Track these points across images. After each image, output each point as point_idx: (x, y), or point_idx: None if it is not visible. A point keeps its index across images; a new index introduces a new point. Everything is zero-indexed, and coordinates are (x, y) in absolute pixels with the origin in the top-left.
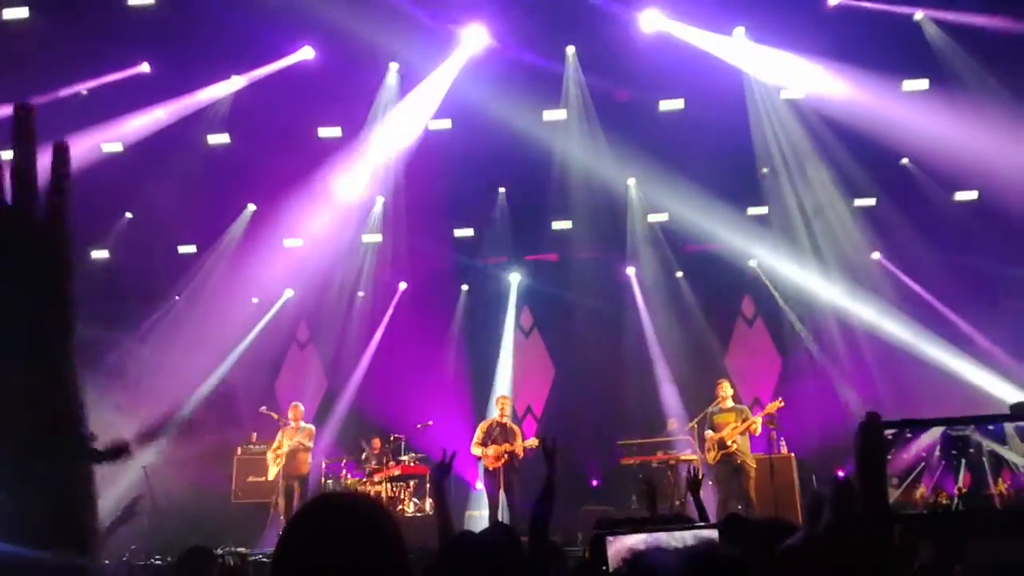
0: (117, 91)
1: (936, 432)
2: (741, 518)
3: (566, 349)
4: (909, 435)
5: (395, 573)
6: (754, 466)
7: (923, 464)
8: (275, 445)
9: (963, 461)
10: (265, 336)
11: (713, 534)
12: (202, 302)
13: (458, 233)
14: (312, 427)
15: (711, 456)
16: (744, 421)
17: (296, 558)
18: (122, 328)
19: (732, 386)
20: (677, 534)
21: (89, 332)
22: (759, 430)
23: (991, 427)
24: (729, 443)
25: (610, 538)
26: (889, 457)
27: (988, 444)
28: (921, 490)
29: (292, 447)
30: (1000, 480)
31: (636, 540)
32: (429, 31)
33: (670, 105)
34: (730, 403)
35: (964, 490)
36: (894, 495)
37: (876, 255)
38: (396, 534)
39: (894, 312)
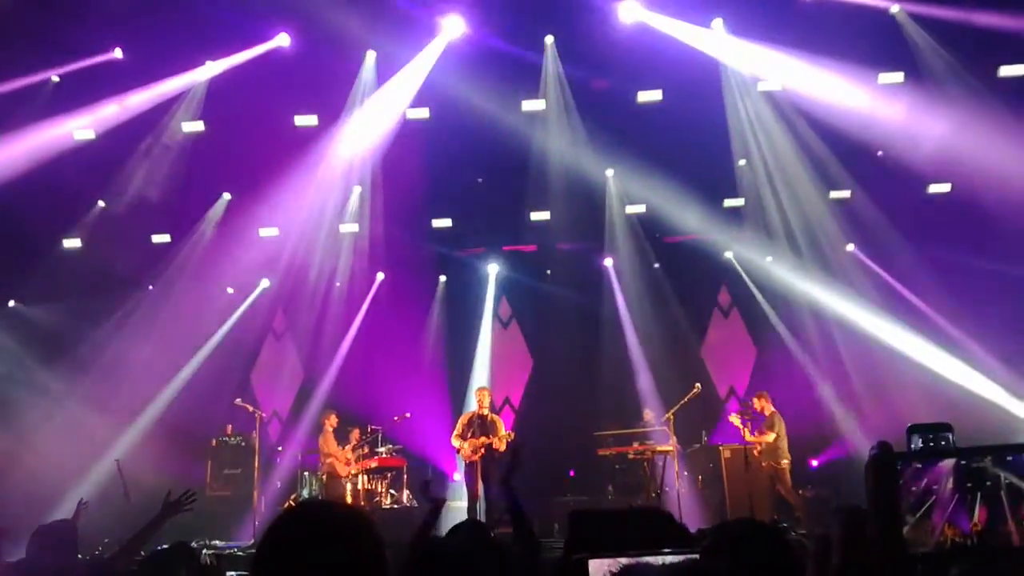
0: (90, 77)
1: (949, 464)
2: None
3: (544, 340)
4: (919, 464)
5: None
6: (781, 467)
7: (934, 497)
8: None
9: (978, 495)
10: (241, 326)
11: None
12: (176, 292)
13: (436, 223)
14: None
15: None
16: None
17: (273, 569)
18: (94, 318)
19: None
20: (659, 558)
21: (61, 322)
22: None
23: (1010, 458)
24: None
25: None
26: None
27: (1007, 476)
28: (932, 526)
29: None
30: (1019, 515)
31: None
32: (407, 19)
33: (648, 96)
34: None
35: (979, 526)
36: (905, 531)
37: (851, 247)
38: (375, 544)
39: (868, 304)
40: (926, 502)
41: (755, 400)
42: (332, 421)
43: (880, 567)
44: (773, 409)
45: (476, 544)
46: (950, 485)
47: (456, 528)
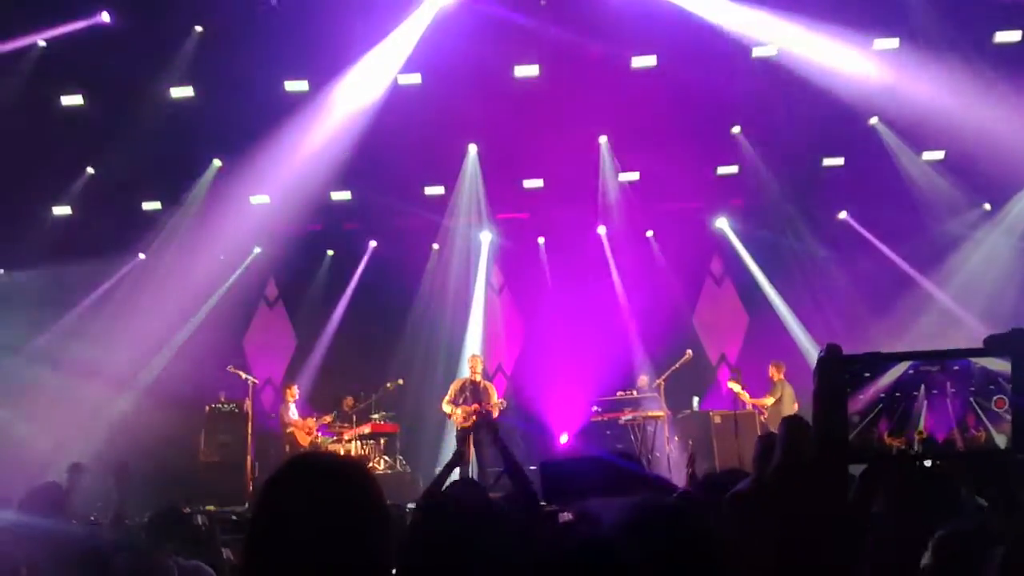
0: (76, 41)
1: (898, 370)
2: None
3: (536, 307)
4: (868, 374)
5: (376, 532)
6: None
7: (881, 404)
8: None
9: (926, 403)
10: (233, 294)
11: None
12: (168, 259)
13: (429, 191)
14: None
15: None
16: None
17: (276, 517)
18: (85, 285)
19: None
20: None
21: (51, 288)
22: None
23: (957, 367)
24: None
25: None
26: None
27: (953, 385)
28: (878, 432)
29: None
30: (964, 424)
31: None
32: None
33: (643, 62)
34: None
35: (924, 434)
36: (850, 436)
37: (843, 214)
38: (377, 494)
39: (858, 271)
40: (875, 409)
41: (770, 367)
42: (293, 393)
43: (816, 466)
44: (781, 377)
45: (472, 498)
46: (898, 392)
47: (452, 484)
